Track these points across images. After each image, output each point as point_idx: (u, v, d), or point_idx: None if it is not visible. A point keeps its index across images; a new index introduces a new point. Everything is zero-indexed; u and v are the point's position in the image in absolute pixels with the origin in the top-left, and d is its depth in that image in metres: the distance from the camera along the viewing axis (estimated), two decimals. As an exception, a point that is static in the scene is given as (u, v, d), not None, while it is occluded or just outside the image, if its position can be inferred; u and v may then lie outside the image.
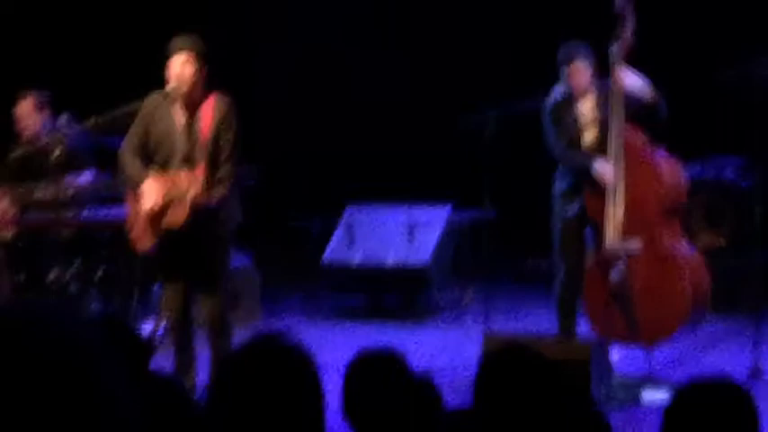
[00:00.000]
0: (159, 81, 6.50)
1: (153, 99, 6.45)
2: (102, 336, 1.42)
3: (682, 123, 9.32)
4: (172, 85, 6.32)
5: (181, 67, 6.29)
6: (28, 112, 8.09)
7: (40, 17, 11.00)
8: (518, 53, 9.98)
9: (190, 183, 6.27)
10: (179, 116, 6.38)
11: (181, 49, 6.30)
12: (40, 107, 8.11)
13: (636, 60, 7.25)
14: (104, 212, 8.09)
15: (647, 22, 9.41)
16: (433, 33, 11.05)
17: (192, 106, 6.36)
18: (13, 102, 8.31)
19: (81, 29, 10.97)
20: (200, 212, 6.31)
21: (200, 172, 6.26)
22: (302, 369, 2.44)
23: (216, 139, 6.31)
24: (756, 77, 6.94)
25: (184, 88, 6.30)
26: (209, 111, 6.33)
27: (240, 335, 7.73)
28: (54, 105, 8.20)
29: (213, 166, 6.31)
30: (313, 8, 11.34)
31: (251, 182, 6.32)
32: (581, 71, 7.10)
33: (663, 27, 9.94)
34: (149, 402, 3.24)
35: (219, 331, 6.51)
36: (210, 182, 6.23)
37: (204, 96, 6.37)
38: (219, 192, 6.27)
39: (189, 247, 6.41)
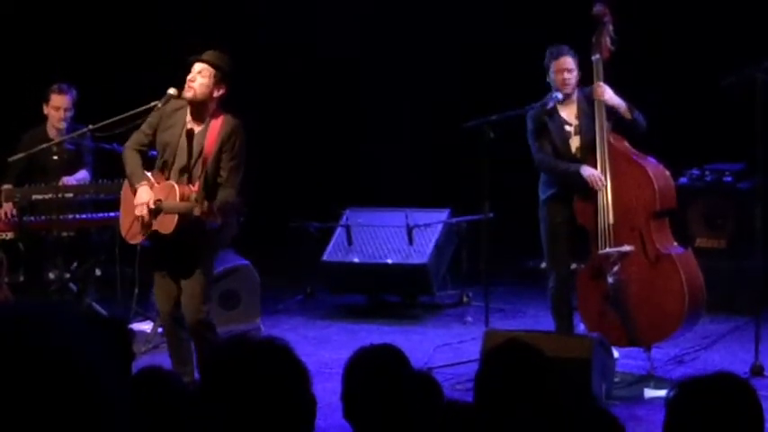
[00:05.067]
0: (163, 85, 6.55)
1: (168, 102, 6.50)
2: (100, 336, 1.42)
3: (683, 129, 9.36)
4: (185, 93, 6.38)
5: (195, 74, 6.34)
6: (67, 108, 8.17)
7: (42, 17, 11.00)
8: (517, 59, 9.97)
9: (183, 197, 6.28)
10: (187, 126, 6.41)
11: (202, 60, 6.35)
12: (74, 104, 8.19)
13: (635, 67, 7.28)
14: (104, 214, 8.10)
15: (648, 28, 9.45)
16: (434, 37, 11.05)
17: (200, 119, 6.39)
18: (12, 100, 8.37)
19: (86, 27, 10.97)
20: (189, 226, 6.30)
21: (196, 188, 6.27)
22: (284, 359, 2.46)
23: (217, 158, 6.33)
24: (758, 82, 6.96)
25: (192, 95, 6.34)
26: (216, 129, 6.35)
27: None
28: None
29: (212, 184, 6.31)
30: (314, 12, 11.34)
31: (240, 218, 6.34)
32: (569, 66, 7.13)
33: (663, 33, 9.96)
34: (147, 398, 3.24)
35: (202, 334, 6.49)
36: (207, 199, 6.20)
37: (215, 114, 6.40)
38: (216, 216, 6.20)
39: (176, 252, 6.44)
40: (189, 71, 6.39)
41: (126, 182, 6.68)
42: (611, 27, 7.12)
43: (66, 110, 8.16)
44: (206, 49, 6.45)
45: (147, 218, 6.39)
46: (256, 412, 2.33)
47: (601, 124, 7.06)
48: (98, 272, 8.46)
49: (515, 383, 3.46)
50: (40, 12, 10.97)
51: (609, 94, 7.08)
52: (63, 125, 8.12)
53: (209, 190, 6.29)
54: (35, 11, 10.94)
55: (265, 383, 2.35)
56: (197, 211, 6.11)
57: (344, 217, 9.56)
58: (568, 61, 7.13)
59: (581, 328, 7.33)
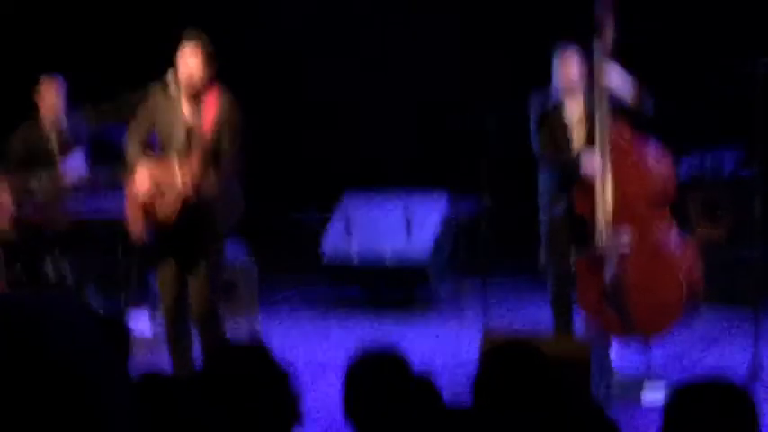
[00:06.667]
0: (160, 69, 6.52)
1: (159, 89, 6.48)
2: (96, 329, 1.41)
3: (681, 115, 9.34)
4: (181, 78, 6.36)
5: (187, 58, 6.32)
6: (52, 98, 8.13)
7: (41, 10, 11.00)
8: (519, 49, 9.97)
9: (181, 170, 6.28)
10: (182, 109, 6.42)
11: (188, 40, 6.33)
12: (60, 92, 8.16)
13: (635, 52, 7.24)
14: (101, 206, 8.10)
15: (649, 15, 9.43)
16: (435, 27, 11.03)
17: (195, 99, 6.39)
18: (14, 89, 8.37)
19: (83, 17, 10.96)
20: (195, 205, 6.31)
21: (194, 160, 6.24)
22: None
23: (217, 136, 6.33)
24: (758, 72, 6.93)
25: (188, 79, 6.33)
26: (212, 107, 6.35)
27: (237, 327, 7.73)
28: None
29: (213, 158, 6.31)
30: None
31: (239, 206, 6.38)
32: (572, 61, 7.12)
33: (665, 21, 9.95)
34: (145, 397, 3.23)
35: (208, 325, 6.49)
36: (208, 171, 6.21)
37: (208, 90, 6.39)
38: (217, 182, 6.26)
39: (183, 239, 6.43)
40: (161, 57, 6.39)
41: (127, 179, 6.69)
42: (613, 16, 7.07)
43: (52, 103, 8.12)
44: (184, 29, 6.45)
45: (148, 193, 6.40)
46: (242, 411, 2.36)
47: (602, 112, 7.02)
48: (95, 265, 8.46)
49: (514, 385, 3.44)
50: (38, 5, 10.97)
51: (615, 82, 7.01)
52: (59, 114, 8.08)
53: (207, 159, 6.28)
54: (33, 4, 10.94)
55: (248, 385, 2.38)
56: (180, 182, 6.17)
57: (343, 204, 9.53)
58: (572, 57, 7.13)
59: (579, 324, 7.33)
